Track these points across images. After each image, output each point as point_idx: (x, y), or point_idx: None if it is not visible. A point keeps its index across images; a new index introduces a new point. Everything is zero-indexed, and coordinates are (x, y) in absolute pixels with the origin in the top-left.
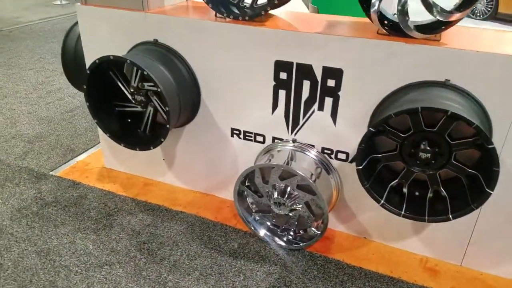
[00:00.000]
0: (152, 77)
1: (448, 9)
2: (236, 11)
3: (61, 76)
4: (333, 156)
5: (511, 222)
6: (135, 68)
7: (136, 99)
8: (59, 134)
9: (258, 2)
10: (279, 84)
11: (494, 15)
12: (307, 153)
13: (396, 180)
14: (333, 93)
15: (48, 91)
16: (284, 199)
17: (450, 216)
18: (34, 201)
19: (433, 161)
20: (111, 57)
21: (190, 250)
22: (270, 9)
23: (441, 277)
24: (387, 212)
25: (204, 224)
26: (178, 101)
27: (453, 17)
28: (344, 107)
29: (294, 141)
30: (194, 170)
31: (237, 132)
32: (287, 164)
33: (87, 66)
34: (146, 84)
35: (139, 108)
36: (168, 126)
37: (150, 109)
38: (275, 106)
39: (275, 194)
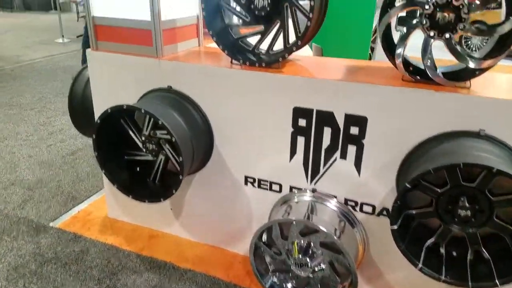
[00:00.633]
0: (167, 127)
1: (479, 55)
2: (252, 57)
3: (63, 116)
4: (357, 208)
5: None
6: (147, 116)
7: (147, 147)
8: (60, 180)
9: (274, 48)
10: (297, 131)
11: None
12: (328, 204)
13: (432, 239)
14: (357, 141)
15: (50, 132)
16: (306, 259)
17: (497, 281)
18: (33, 257)
19: (472, 219)
20: (125, 107)
21: None
22: (288, 56)
23: None
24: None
25: (215, 285)
26: (191, 150)
27: (485, 64)
28: (369, 156)
29: (313, 191)
30: (203, 221)
31: (252, 180)
32: (308, 217)
33: (97, 113)
34: (158, 132)
35: (149, 157)
36: (180, 177)
37: (161, 157)
38: (293, 153)
39: (296, 253)
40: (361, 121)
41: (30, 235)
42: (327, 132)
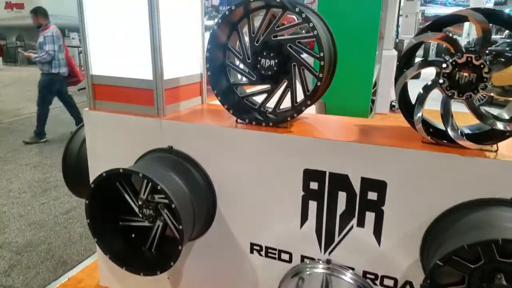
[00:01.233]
0: (167, 192)
1: (508, 115)
2: (259, 116)
3: (59, 172)
4: (377, 282)
5: None
6: (145, 179)
7: (144, 213)
8: (51, 242)
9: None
10: (309, 195)
11: (490, 101)
12: (344, 277)
13: None
14: (376, 207)
15: (44, 189)
16: None
17: None
18: None
19: None
20: (121, 170)
21: None
22: (297, 116)
23: None
24: None
25: None
26: (192, 216)
27: None
28: (390, 224)
29: (328, 262)
30: None
31: (258, 248)
32: None
33: (91, 175)
34: (157, 196)
35: (146, 223)
36: (180, 247)
37: (159, 223)
38: (304, 219)
39: None
40: (379, 186)
41: None
42: (341, 196)
